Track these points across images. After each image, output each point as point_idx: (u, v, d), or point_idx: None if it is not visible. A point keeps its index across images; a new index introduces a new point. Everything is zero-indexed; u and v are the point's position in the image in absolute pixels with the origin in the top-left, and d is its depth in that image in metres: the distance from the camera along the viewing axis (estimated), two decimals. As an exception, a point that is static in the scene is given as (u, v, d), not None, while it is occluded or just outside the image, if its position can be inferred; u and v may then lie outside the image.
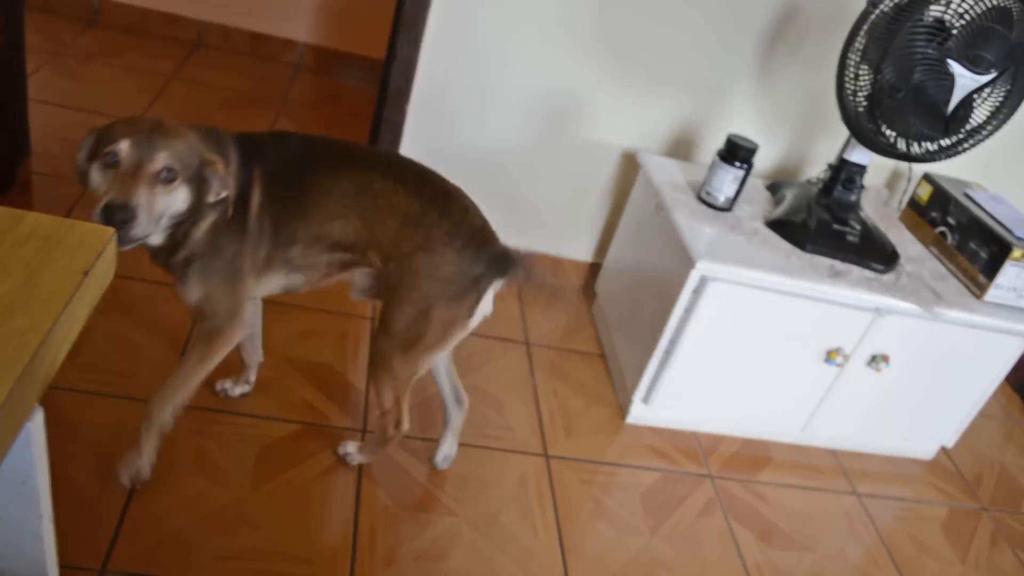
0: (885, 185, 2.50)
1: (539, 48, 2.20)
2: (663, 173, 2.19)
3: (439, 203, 1.51)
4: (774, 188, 2.22)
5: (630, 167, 2.40)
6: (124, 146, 1.25)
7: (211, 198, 1.37)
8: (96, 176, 1.28)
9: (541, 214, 2.49)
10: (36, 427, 0.64)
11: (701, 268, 1.84)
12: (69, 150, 2.54)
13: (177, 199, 1.32)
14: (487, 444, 1.92)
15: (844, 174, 1.97)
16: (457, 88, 2.26)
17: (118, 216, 1.22)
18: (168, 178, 1.29)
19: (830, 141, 2.39)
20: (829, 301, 1.90)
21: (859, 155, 1.95)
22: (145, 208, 1.25)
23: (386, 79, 2.30)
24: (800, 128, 2.37)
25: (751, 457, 2.12)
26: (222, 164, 1.37)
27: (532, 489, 1.84)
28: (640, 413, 2.09)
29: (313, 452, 1.77)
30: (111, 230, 0.70)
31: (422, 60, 2.22)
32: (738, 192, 2.02)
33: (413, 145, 2.34)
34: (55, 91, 2.86)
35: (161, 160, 1.27)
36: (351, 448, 1.77)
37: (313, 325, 2.13)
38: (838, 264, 1.95)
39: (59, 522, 1.38)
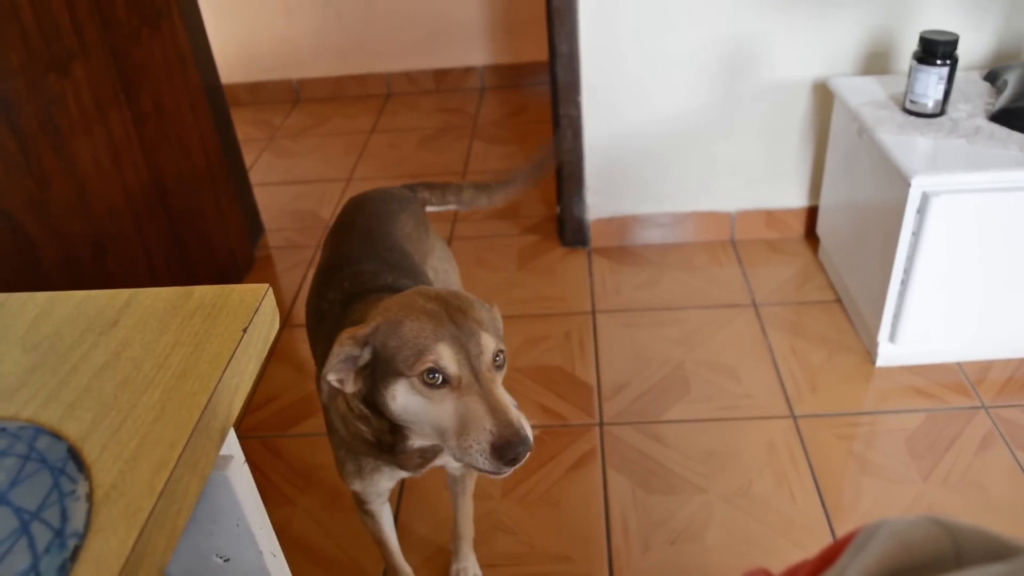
0: None
1: (696, 1, 2.11)
2: (860, 94, 2.01)
3: None
4: (993, 76, 1.97)
5: (824, 97, 2.23)
6: (446, 355, 0.94)
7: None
8: (411, 401, 0.96)
9: (742, 170, 2.39)
10: (234, 474, 0.71)
11: (919, 184, 1.67)
12: (296, 221, 2.80)
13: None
14: (728, 415, 1.86)
15: (1072, 38, 1.71)
16: (624, 68, 2.23)
17: (523, 451, 0.91)
18: (501, 363, 1.00)
19: (1055, 6, 2.08)
20: (1085, 185, 1.65)
21: (1086, 12, 1.68)
22: (524, 420, 0.94)
23: (554, 77, 2.31)
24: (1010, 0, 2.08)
25: (1032, 378, 1.89)
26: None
27: (783, 454, 1.75)
28: (889, 353, 1.93)
29: (555, 453, 1.81)
30: (265, 287, 0.76)
31: (583, 49, 2.21)
32: (947, 92, 1.81)
33: (594, 134, 2.33)
34: (275, 171, 3.16)
35: (490, 346, 0.97)
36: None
37: (536, 331, 2.18)
38: (1087, 141, 1.69)
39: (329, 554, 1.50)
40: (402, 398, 0.96)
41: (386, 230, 1.45)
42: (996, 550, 0.39)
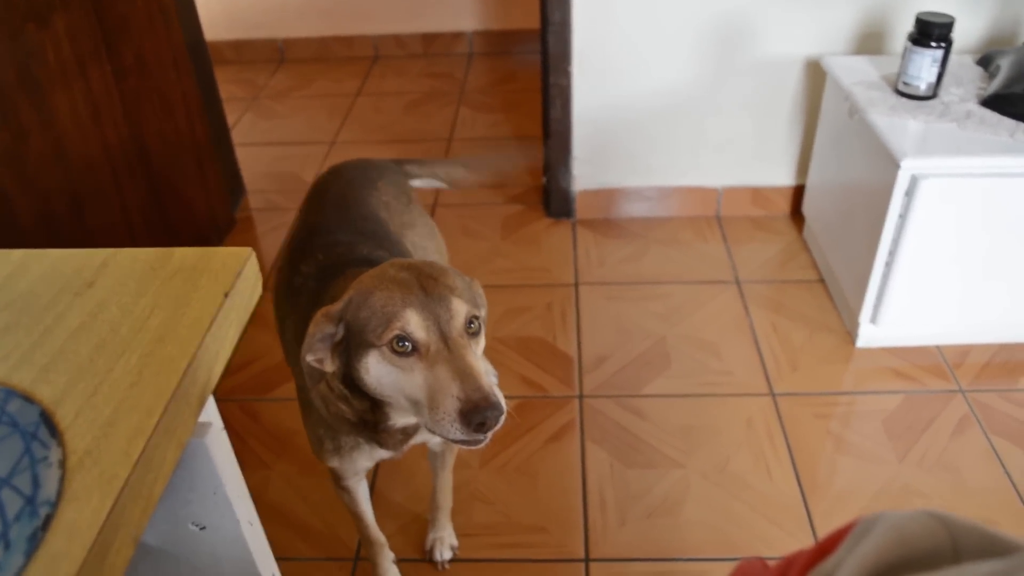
0: None
1: (691, -26, 2.09)
2: (852, 73, 2.00)
3: None
4: (986, 61, 1.96)
5: (816, 75, 2.22)
6: (413, 321, 0.91)
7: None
8: (382, 371, 0.94)
9: (730, 147, 2.37)
10: (213, 441, 0.70)
11: (908, 167, 1.66)
12: (278, 183, 2.76)
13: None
14: (707, 391, 1.86)
15: (1067, 24, 1.70)
16: (616, 38, 2.20)
17: (492, 416, 0.88)
18: (475, 329, 0.96)
19: (1050, -9, 2.07)
20: (1072, 173, 1.65)
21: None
22: (495, 387, 0.91)
23: (545, 45, 2.28)
24: (1009, -15, 2.07)
25: (1009, 363, 1.90)
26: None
27: (761, 431, 1.76)
28: (870, 335, 1.94)
29: (534, 424, 1.81)
30: (248, 251, 0.74)
31: (575, 18, 2.18)
32: (940, 75, 1.80)
33: (584, 104, 2.31)
34: (258, 132, 3.11)
35: (462, 311, 0.94)
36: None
37: (518, 301, 2.17)
38: (1076, 129, 1.69)
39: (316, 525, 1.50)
40: (375, 370, 0.94)
41: (361, 197, 1.41)
42: (993, 546, 0.39)
